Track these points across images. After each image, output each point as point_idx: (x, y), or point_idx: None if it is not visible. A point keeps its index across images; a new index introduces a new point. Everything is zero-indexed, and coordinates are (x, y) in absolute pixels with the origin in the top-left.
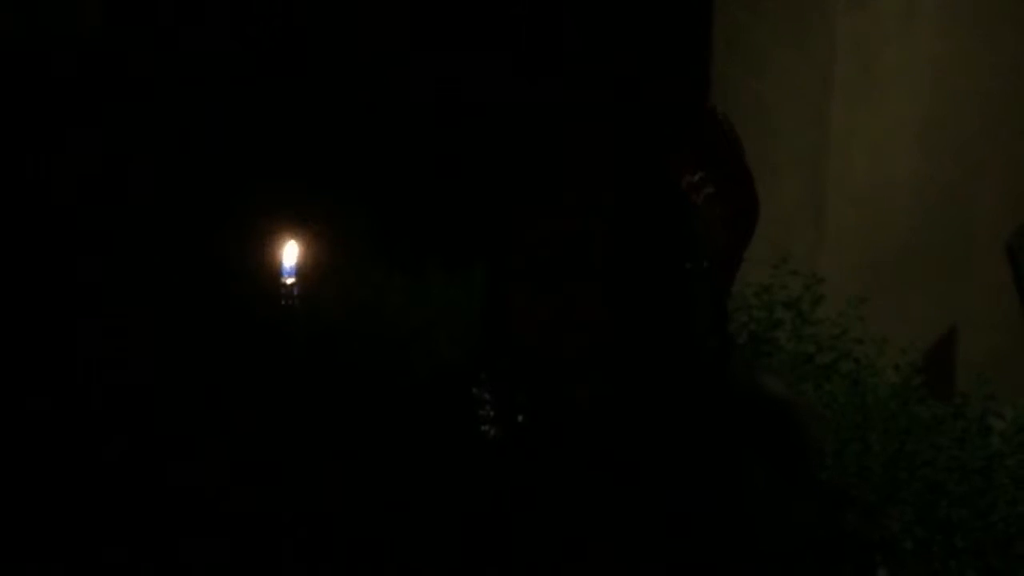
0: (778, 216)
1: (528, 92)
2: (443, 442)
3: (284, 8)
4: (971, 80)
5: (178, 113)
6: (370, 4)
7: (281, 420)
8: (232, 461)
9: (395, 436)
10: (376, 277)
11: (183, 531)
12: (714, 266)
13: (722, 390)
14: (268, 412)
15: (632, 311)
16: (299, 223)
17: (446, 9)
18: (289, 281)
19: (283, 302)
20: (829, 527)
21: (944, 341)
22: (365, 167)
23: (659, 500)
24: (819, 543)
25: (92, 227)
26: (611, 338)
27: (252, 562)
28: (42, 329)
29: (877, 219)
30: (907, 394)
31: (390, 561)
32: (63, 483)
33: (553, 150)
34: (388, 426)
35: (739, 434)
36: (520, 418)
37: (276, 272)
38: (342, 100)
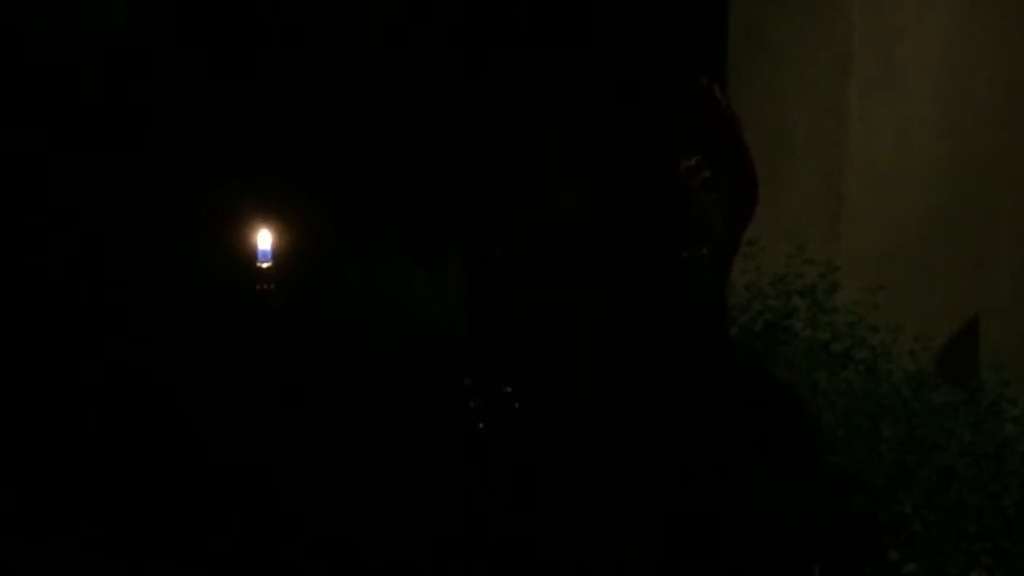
0: (796, 206)
1: (516, 74)
2: (428, 434)
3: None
4: (990, 68)
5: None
6: None
7: (257, 405)
8: (210, 446)
9: (377, 425)
10: (358, 263)
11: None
12: (712, 252)
13: (721, 379)
14: (244, 397)
15: (627, 305)
16: (275, 209)
17: None
18: (265, 265)
19: (259, 287)
20: (838, 510)
21: (966, 330)
22: (345, 153)
23: (658, 495)
24: (827, 525)
25: (88, 218)
26: (605, 333)
27: (237, 553)
28: (27, 315)
29: (895, 208)
30: (921, 381)
31: (375, 557)
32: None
33: (539, 133)
34: (369, 415)
35: (739, 422)
36: (508, 411)
37: (251, 257)
38: (330, 85)
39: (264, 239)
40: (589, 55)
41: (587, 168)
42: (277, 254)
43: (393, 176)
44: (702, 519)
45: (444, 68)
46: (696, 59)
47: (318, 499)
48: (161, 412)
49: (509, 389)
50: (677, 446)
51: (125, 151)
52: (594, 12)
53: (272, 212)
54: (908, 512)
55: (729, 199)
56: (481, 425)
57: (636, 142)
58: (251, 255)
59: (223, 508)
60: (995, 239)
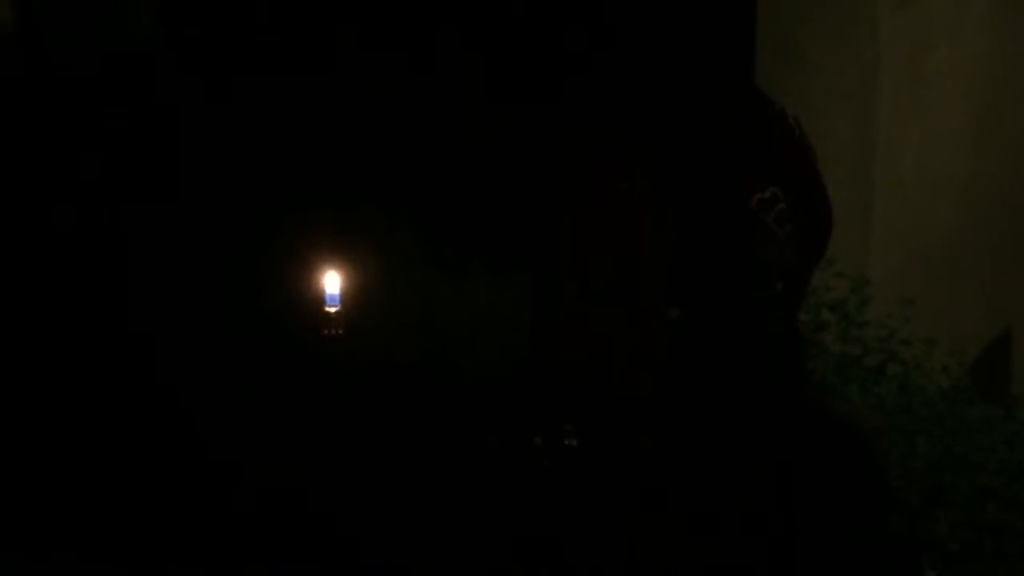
0: None
1: (577, 97)
2: (486, 472)
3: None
4: (1020, 77)
5: (213, 135)
6: (413, 16)
7: (321, 447)
8: (270, 488)
9: (436, 466)
10: (422, 295)
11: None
12: (785, 288)
13: (791, 422)
14: (309, 440)
15: (695, 345)
16: (341, 246)
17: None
18: (333, 310)
19: (327, 332)
20: (876, 530)
21: (999, 342)
22: (410, 181)
23: (727, 532)
24: (866, 548)
25: (136, 251)
26: (672, 372)
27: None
28: (88, 357)
29: (926, 219)
30: (956, 396)
31: None
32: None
33: (606, 161)
34: (429, 456)
35: (808, 462)
36: (568, 447)
37: (319, 301)
38: (385, 115)
39: (332, 282)
40: (652, 75)
41: (658, 199)
42: (345, 297)
43: (460, 209)
44: (771, 557)
45: (511, 95)
46: (725, 73)
47: (375, 533)
48: (221, 451)
49: (572, 426)
50: (747, 485)
51: (181, 191)
52: (620, 27)
53: (337, 251)
54: (944, 531)
55: (803, 232)
56: (545, 463)
57: (709, 173)
58: (317, 299)
59: (285, 552)
60: None
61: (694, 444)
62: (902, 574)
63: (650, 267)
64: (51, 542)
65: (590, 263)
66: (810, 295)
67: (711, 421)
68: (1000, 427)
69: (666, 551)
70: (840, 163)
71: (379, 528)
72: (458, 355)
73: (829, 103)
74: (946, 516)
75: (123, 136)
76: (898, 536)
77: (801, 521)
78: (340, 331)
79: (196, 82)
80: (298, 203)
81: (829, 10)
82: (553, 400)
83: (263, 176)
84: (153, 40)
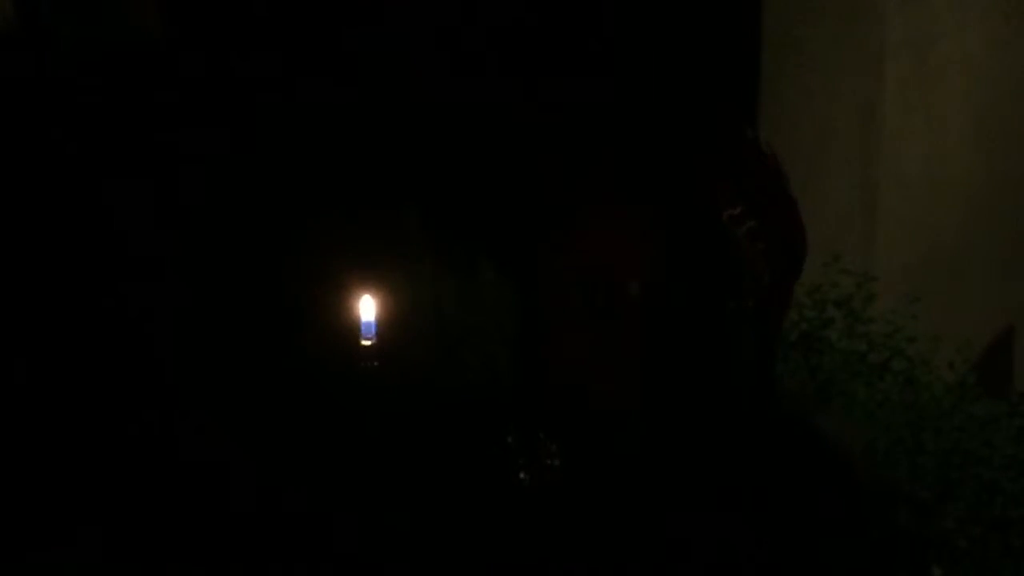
0: (830, 214)
1: (561, 116)
2: (476, 490)
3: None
4: None
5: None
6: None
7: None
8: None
9: (431, 484)
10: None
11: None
12: (759, 305)
13: (765, 433)
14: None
15: (671, 354)
16: (374, 270)
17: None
18: (368, 342)
19: (362, 364)
20: (881, 527)
21: (1001, 339)
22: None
23: (703, 541)
24: (872, 543)
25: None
26: (648, 383)
27: None
28: (110, 386)
29: (931, 216)
30: (961, 392)
31: None
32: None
33: (586, 178)
34: (425, 475)
35: (782, 477)
36: (553, 466)
37: (353, 332)
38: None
39: (367, 308)
40: (625, 86)
41: (631, 216)
42: (380, 326)
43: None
44: (747, 565)
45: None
46: (728, 85)
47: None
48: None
49: (552, 439)
50: (721, 494)
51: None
52: (623, 29)
53: (371, 275)
54: (952, 527)
55: (776, 251)
56: (523, 475)
57: (680, 191)
58: (352, 328)
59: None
60: None
61: (671, 453)
62: (908, 570)
63: (628, 280)
64: (49, 537)
65: (571, 280)
66: (814, 292)
67: (686, 430)
68: (1006, 423)
69: (645, 556)
70: (845, 159)
71: (374, 539)
72: (486, 372)
73: (834, 100)
74: (953, 512)
75: (141, 152)
76: (904, 532)
77: (777, 528)
78: (376, 363)
79: (220, 101)
80: (324, 225)
81: (834, 7)
82: (535, 416)
83: (287, 196)
84: (167, 42)
